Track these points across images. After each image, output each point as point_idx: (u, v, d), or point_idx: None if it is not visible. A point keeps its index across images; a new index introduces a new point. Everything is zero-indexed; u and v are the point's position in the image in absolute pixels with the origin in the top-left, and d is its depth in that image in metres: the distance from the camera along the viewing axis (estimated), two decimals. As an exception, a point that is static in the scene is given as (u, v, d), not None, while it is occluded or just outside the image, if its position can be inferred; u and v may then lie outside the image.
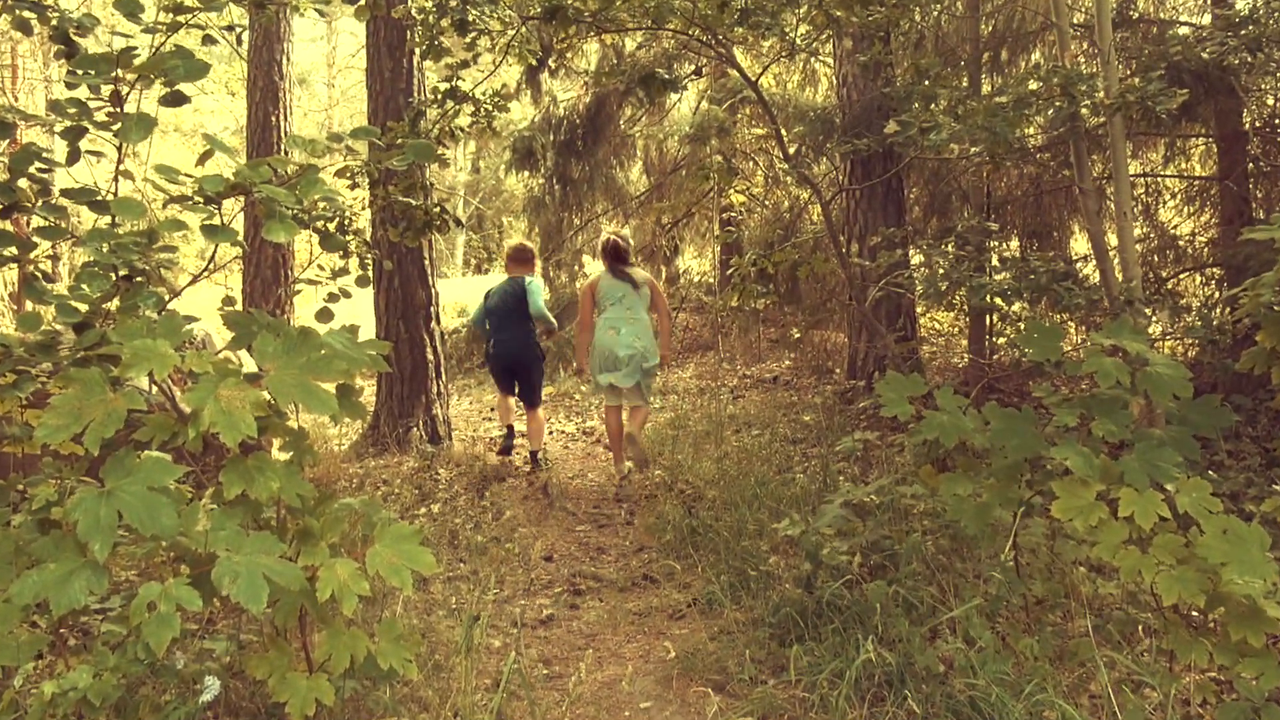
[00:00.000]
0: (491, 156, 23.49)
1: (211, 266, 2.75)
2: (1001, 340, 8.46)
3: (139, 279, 2.66)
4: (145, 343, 2.21)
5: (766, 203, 13.23)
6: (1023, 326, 6.52)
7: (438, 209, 5.20)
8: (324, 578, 2.36)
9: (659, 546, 5.70)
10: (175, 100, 2.71)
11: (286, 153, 10.20)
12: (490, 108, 5.62)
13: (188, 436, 2.20)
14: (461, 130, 5.68)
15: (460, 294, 18.14)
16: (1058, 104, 5.29)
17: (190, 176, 2.48)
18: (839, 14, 5.79)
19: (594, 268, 14.70)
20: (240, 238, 2.55)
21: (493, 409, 10.38)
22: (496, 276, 22.31)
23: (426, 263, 8.15)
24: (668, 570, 5.26)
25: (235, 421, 2.14)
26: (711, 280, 13.81)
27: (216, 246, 2.53)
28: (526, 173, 12.68)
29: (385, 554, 2.44)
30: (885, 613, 3.76)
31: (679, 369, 11.96)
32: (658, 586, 5.11)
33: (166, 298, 2.65)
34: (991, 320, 8.40)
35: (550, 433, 9.16)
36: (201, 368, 2.27)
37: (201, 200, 2.43)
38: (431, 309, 8.18)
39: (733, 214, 12.61)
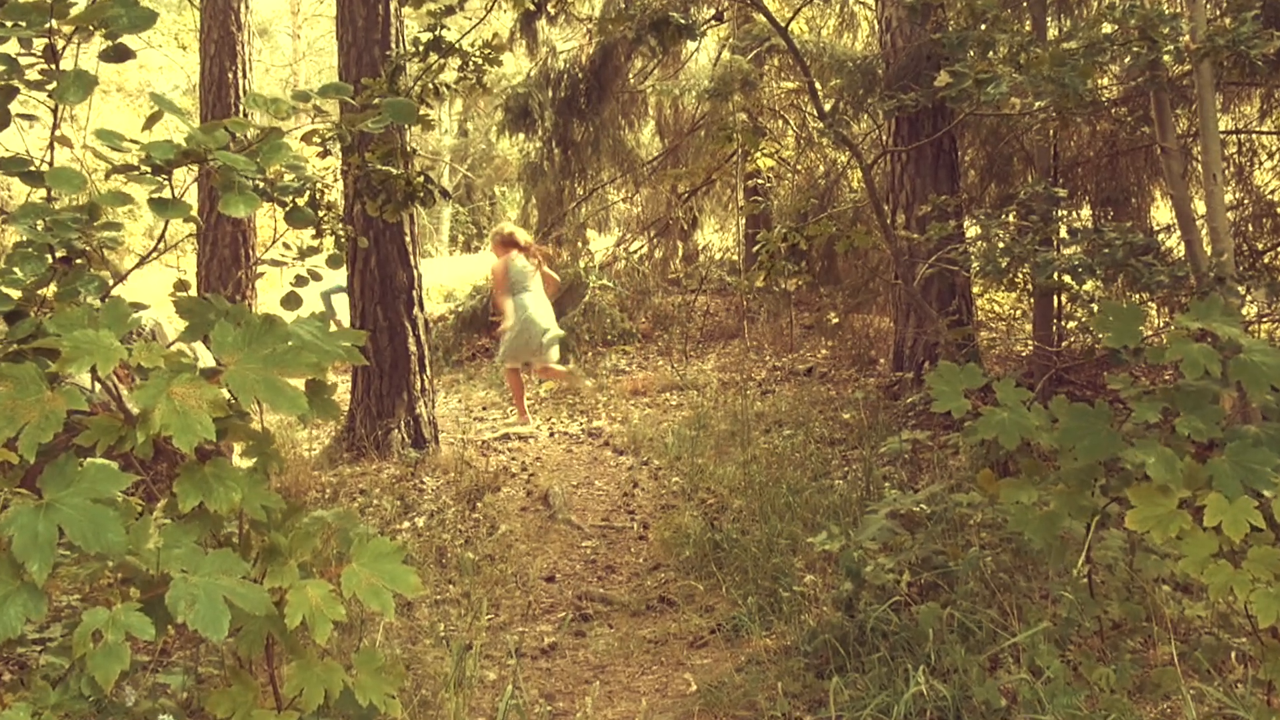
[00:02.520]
0: (481, 117, 23.51)
1: (161, 246, 2.76)
2: (1071, 324, 8.42)
3: (79, 261, 2.67)
4: (87, 334, 2.22)
5: (798, 168, 13.19)
6: (1096, 308, 6.49)
7: (421, 178, 5.20)
8: (293, 601, 2.36)
9: (677, 564, 5.71)
10: (119, 55, 2.71)
11: (246, 114, 10.22)
12: (480, 61, 5.61)
13: (136, 441, 2.21)
14: (447, 87, 5.68)
15: (446, 275, 18.18)
16: (1136, 49, 5.26)
17: (136, 143, 2.48)
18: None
19: (601, 243, 14.75)
20: (194, 213, 2.56)
21: (484, 408, 10.43)
22: (489, 256, 22.34)
23: (408, 240, 8.17)
24: (687, 591, 5.27)
25: (190, 423, 2.15)
26: (735, 258, 13.78)
27: (167, 223, 2.54)
28: (522, 135, 12.67)
29: (363, 574, 2.45)
30: (938, 639, 3.76)
31: (698, 360, 11.96)
32: (676, 610, 5.12)
33: (110, 282, 2.66)
34: (1059, 301, 8.36)
35: (551, 435, 9.18)
36: (151, 362, 2.28)
37: (149, 170, 2.44)
38: (414, 293, 8.19)
39: (759, 181, 12.58)
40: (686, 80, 12.58)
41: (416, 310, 8.23)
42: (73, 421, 2.28)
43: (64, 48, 2.68)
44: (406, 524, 6.44)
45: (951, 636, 3.79)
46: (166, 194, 2.47)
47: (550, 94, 12.24)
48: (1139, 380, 3.86)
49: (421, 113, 5.11)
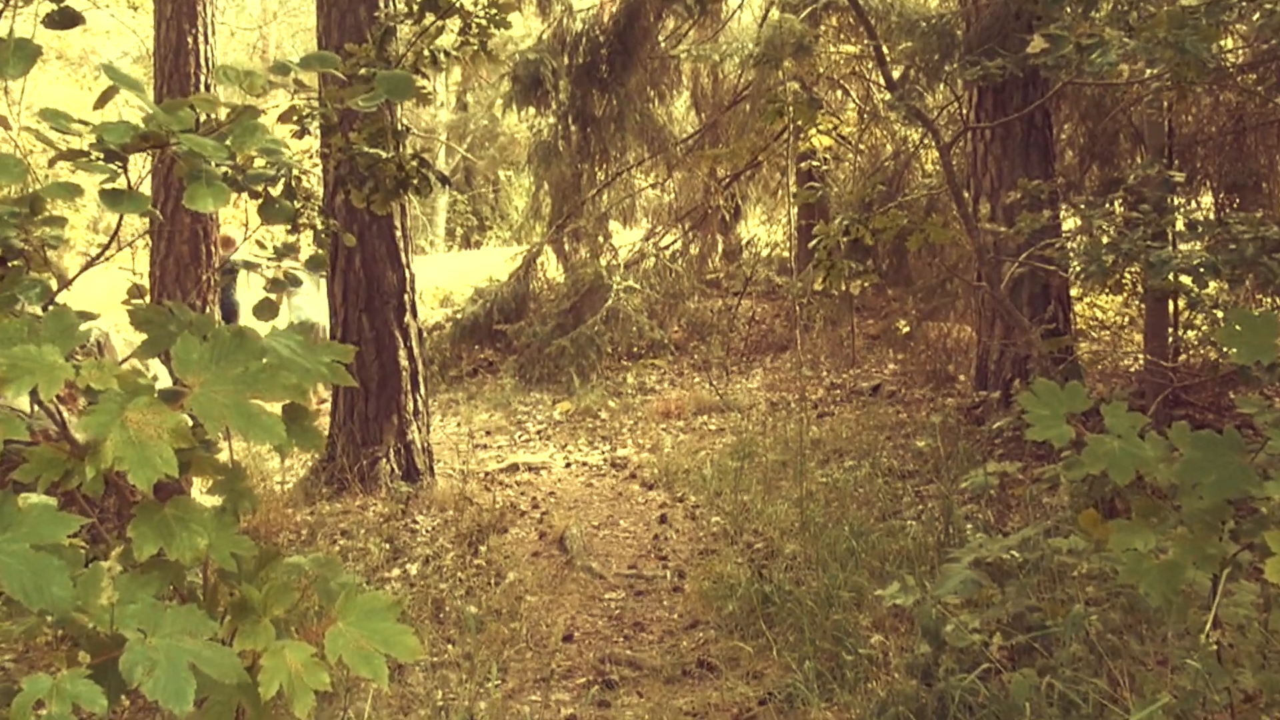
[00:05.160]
0: (484, 88, 23.60)
1: (115, 245, 2.78)
2: (1190, 335, 8.36)
3: (16, 262, 2.68)
4: (27, 350, 2.23)
5: (861, 147, 13.18)
6: (1221, 316, 6.44)
7: (414, 162, 5.22)
8: (269, 667, 2.36)
9: (718, 621, 5.69)
10: (66, 20, 2.74)
11: (208, 86, 10.30)
12: (484, 22, 5.63)
13: (85, 476, 2.22)
14: (445, 54, 5.70)
15: (443, 275, 18.24)
16: (1268, 6, 5.23)
17: (85, 123, 2.50)
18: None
19: (626, 237, 14.72)
20: (150, 205, 2.57)
21: (488, 432, 10.45)
22: (493, 253, 22.39)
23: (398, 234, 8.21)
24: (731, 654, 5.25)
25: (149, 456, 2.15)
26: (786, 255, 13.77)
27: (121, 219, 2.55)
28: (532, 109, 12.72)
29: (352, 635, 2.45)
30: (1035, 713, 3.73)
31: (742, 376, 11.95)
32: (718, 676, 5.11)
33: (54, 287, 2.67)
34: (1176, 307, 8.31)
35: (567, 465, 9.19)
36: (103, 383, 2.28)
37: (101, 156, 2.45)
38: (405, 297, 8.23)
39: (815, 164, 12.57)
40: (728, 44, 12.57)
41: (408, 317, 8.26)
42: (11, 453, 2.30)
43: (1, 12, 2.71)
44: (397, 571, 6.46)
45: (1051, 710, 3.76)
46: (121, 184, 2.48)
47: (566, 60, 12.28)
48: (1274, 402, 3.83)
49: (417, 84, 5.13)
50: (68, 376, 2.23)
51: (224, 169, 2.69)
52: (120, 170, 2.49)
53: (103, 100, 2.69)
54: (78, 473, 2.30)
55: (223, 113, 2.62)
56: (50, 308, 2.60)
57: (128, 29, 23.06)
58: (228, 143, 2.52)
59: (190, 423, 2.30)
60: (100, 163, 2.49)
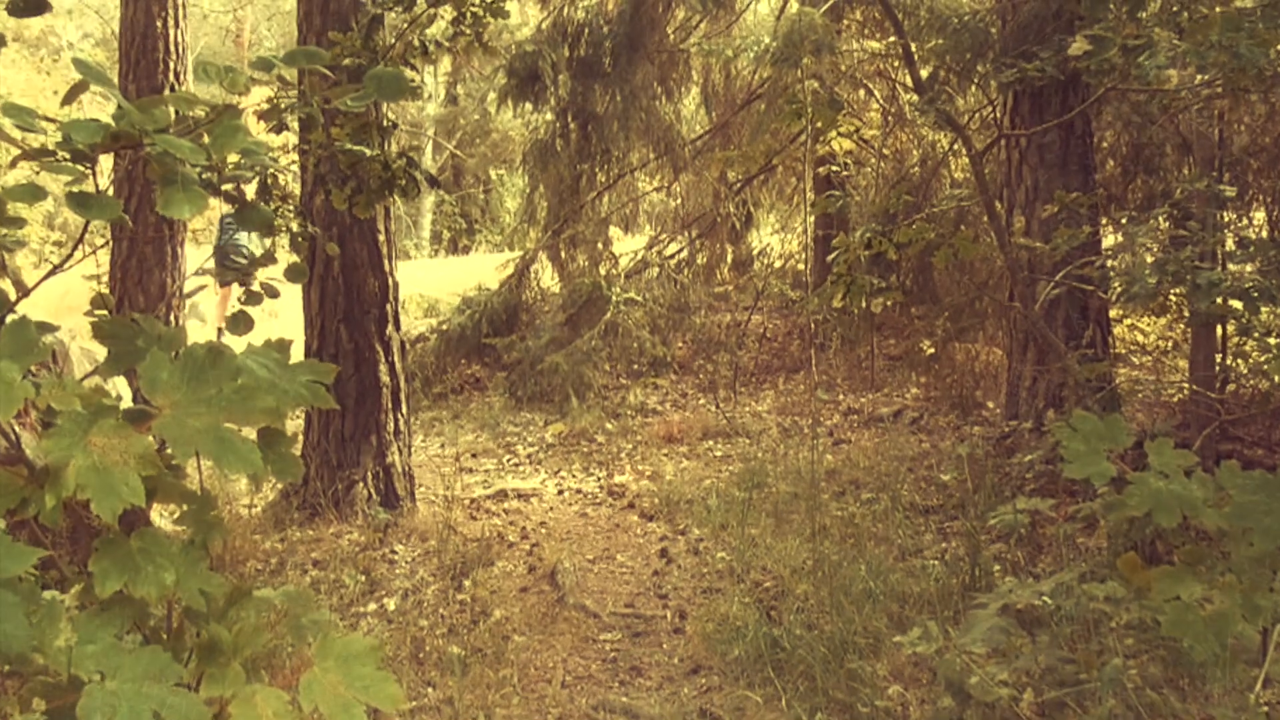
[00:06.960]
0: (475, 80, 23.65)
1: (82, 250, 2.77)
2: (1241, 363, 8.36)
3: (-28, 268, 2.68)
4: (-18, 366, 2.23)
5: (885, 153, 13.19)
6: (1274, 343, 6.46)
7: (401, 161, 5.21)
8: (238, 715, 2.35)
9: (723, 666, 5.69)
10: (32, 6, 2.74)
11: (177, 74, 10.31)
12: (480, 10, 5.64)
13: (44, 505, 2.21)
14: (436, 45, 5.71)
15: (428, 282, 18.25)
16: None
17: (51, 120, 2.50)
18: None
19: (628, 244, 14.73)
20: (121, 210, 2.57)
21: (474, 455, 10.44)
22: (482, 258, 22.38)
23: (381, 239, 8.20)
24: (736, 703, 5.25)
25: (114, 484, 2.14)
26: (802, 267, 13.78)
27: (87, 224, 2.54)
28: (528, 105, 12.72)
29: (329, 681, 2.44)
30: (1067, 776, 3.73)
31: (751, 399, 11.94)
32: (722, 728, 5.11)
33: (13, 296, 2.67)
34: (1225, 333, 8.31)
35: (560, 492, 9.18)
36: (64, 402, 2.28)
37: (68, 155, 2.45)
38: (388, 306, 8.22)
39: (834, 169, 12.58)
40: (742, 38, 12.59)
41: (390, 329, 8.25)
42: (-38, 479, 2.29)
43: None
44: (373, 606, 6.45)
45: (1084, 773, 3.76)
46: (89, 186, 2.48)
47: (566, 52, 12.29)
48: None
49: (410, 80, 5.13)
50: (27, 395, 2.23)
51: (201, 171, 2.68)
52: (89, 172, 2.48)
53: (72, 95, 2.68)
54: (35, 501, 2.29)
55: (200, 111, 2.62)
56: (8, 318, 2.59)
57: (89, 9, 23.12)
58: (205, 141, 2.51)
59: (157, 446, 2.29)
60: (67, 163, 2.48)
